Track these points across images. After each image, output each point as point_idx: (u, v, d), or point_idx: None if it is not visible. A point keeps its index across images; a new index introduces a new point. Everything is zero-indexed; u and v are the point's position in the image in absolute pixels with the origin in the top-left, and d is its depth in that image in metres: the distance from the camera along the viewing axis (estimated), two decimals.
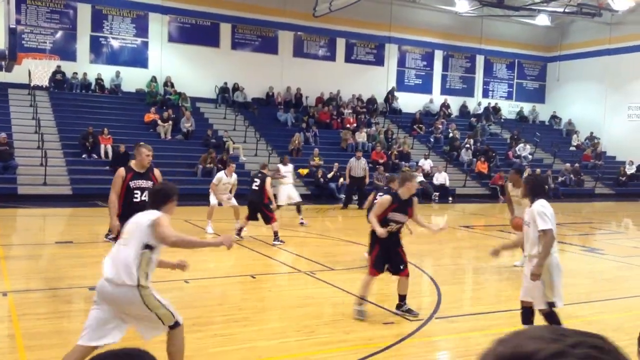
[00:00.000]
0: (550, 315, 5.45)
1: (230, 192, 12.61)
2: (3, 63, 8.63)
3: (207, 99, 25.48)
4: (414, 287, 8.53)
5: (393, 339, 5.86)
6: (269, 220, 11.16)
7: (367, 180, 18.77)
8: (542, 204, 5.46)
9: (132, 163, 6.81)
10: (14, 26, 8.23)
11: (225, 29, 26.15)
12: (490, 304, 7.68)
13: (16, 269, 8.42)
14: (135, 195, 6.50)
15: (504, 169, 25.43)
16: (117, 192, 6.57)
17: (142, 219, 4.33)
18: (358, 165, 18.94)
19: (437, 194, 22.69)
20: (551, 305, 5.44)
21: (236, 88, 25.99)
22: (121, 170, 6.69)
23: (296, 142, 23.30)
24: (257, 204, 11.21)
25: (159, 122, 22.05)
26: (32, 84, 12.70)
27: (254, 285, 8.11)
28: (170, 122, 22.15)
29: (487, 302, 7.84)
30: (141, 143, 7.07)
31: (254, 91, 26.56)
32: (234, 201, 12.50)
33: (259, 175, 11.62)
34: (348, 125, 26.10)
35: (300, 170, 21.72)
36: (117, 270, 4.20)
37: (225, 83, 25.77)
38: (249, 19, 26.38)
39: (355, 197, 19.04)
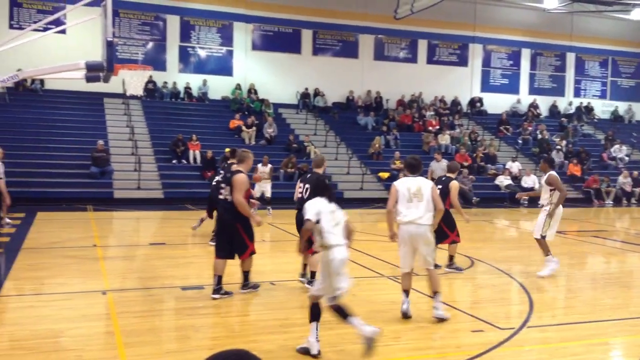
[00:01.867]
0: None
1: None
2: (101, 74, 9.13)
3: (289, 104, 25.92)
4: (503, 295, 8.25)
5: (482, 347, 5.68)
6: None
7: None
8: None
9: (242, 167, 7.38)
10: (111, 39, 8.71)
11: (306, 35, 26.50)
12: (585, 313, 7.28)
13: (113, 269, 8.89)
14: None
15: (597, 172, 24.15)
16: (245, 195, 7.19)
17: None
18: (439, 168, 18.55)
19: (527, 197, 21.83)
20: None
21: (317, 93, 26.27)
22: (244, 176, 7.24)
23: (376, 145, 23.20)
24: None
25: (244, 128, 22.65)
26: (127, 94, 13.37)
27: None
28: (254, 127, 22.70)
29: (582, 311, 7.44)
30: (244, 149, 7.80)
31: (335, 95, 26.74)
32: None
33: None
34: (430, 128, 25.70)
35: (381, 174, 21.61)
36: None
37: (306, 88, 26.11)
38: (330, 24, 26.59)
39: None
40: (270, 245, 11.53)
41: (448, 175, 9.58)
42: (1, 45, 9.39)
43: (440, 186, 8.77)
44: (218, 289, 7.24)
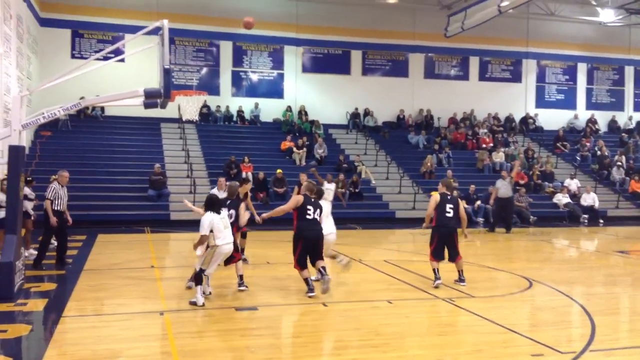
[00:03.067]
0: None
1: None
2: (158, 100, 9.43)
3: (339, 125, 26.07)
4: (564, 317, 7.97)
5: None
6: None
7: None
8: None
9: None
10: (168, 66, 9.00)
11: (356, 56, 26.68)
12: None
13: (170, 289, 9.08)
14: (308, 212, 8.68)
15: None
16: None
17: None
18: (503, 186, 18.09)
19: (586, 216, 21.14)
20: None
21: (367, 113, 26.33)
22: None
23: (428, 164, 22.98)
24: None
25: (294, 149, 22.89)
26: (183, 119, 13.75)
27: (390, 311, 8.04)
28: (305, 148, 22.90)
29: None
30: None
31: (385, 115, 26.73)
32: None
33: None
34: (484, 145, 25.28)
35: (433, 193, 21.28)
36: None
37: (356, 108, 26.22)
38: (380, 45, 26.70)
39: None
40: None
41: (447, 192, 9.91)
42: (64, 74, 9.84)
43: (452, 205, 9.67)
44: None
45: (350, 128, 25.99)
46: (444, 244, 9.45)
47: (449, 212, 9.51)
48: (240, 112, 24.98)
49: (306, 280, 8.55)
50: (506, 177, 18.29)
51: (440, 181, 10.22)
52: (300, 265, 8.57)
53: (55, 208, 10.67)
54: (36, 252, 10.98)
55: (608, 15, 26.52)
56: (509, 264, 12.12)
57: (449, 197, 9.70)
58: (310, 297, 8.35)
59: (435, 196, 9.70)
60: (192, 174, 20.56)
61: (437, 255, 9.43)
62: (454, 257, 9.48)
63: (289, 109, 25.40)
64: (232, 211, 9.06)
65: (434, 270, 9.34)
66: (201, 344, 6.34)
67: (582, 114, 29.00)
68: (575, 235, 18.15)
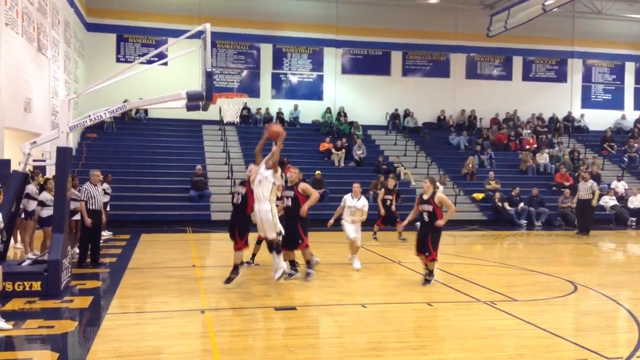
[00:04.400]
0: None
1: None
2: (200, 103, 9.58)
3: (378, 126, 25.96)
4: (610, 322, 7.74)
5: None
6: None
7: (595, 204, 17.71)
8: None
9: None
10: (210, 69, 9.14)
11: (396, 57, 26.53)
12: None
13: (211, 288, 9.21)
14: None
15: None
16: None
17: None
18: (583, 188, 17.79)
19: (634, 219, 20.47)
20: None
21: (407, 114, 26.14)
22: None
23: (470, 165, 22.65)
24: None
25: (333, 150, 22.91)
26: (224, 121, 13.93)
27: (430, 313, 7.95)
28: (344, 150, 22.89)
29: None
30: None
31: (425, 116, 26.49)
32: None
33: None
34: (527, 146, 24.77)
35: (475, 195, 21.04)
36: None
37: (396, 109, 26.06)
38: (420, 45, 26.49)
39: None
40: (362, 267, 11.50)
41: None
42: (109, 78, 10.10)
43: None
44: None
45: (389, 129, 25.85)
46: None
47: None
48: (279, 114, 25.14)
49: (308, 262, 9.57)
50: (587, 179, 17.99)
51: (429, 179, 9.68)
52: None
53: (91, 207, 10.91)
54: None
55: None
56: (554, 267, 11.82)
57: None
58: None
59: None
60: (232, 175, 20.79)
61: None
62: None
63: (328, 110, 25.44)
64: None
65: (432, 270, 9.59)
66: (241, 343, 6.40)
67: (629, 114, 28.13)
68: (623, 239, 17.59)
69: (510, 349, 6.33)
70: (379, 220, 15.54)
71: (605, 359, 5.89)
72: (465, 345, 6.46)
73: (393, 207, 15.67)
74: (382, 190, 15.99)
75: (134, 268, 10.97)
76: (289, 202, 9.78)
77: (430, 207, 9.27)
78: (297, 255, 10.06)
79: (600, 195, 21.52)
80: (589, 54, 28.00)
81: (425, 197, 9.36)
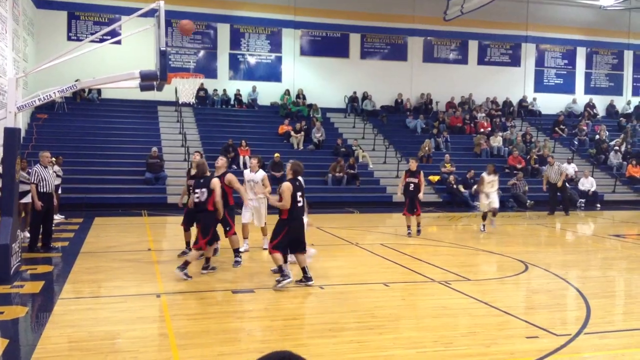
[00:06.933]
0: None
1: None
2: (155, 83, 9.38)
3: (337, 108, 25.99)
4: (560, 300, 8.01)
5: (537, 354, 5.52)
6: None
7: (560, 185, 18.47)
8: None
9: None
10: (164, 49, 8.93)
11: (354, 39, 26.51)
12: None
13: (167, 272, 9.09)
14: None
15: None
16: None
17: None
18: (552, 171, 18.51)
19: (583, 200, 21.20)
20: None
21: (365, 97, 26.23)
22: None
23: (426, 148, 22.95)
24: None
25: (292, 133, 22.83)
26: (180, 102, 13.69)
27: (387, 294, 8.07)
28: (302, 132, 22.84)
29: None
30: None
31: (383, 99, 26.64)
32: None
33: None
34: (482, 130, 25.24)
35: (431, 177, 21.35)
36: None
37: (355, 92, 26.11)
38: (378, 28, 26.53)
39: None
40: (319, 249, 11.56)
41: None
42: (60, 56, 9.77)
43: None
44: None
45: (348, 112, 25.91)
46: (294, 238, 8.12)
47: (300, 202, 8.20)
48: (237, 96, 24.86)
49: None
50: (553, 163, 18.79)
51: (291, 164, 8.44)
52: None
53: (41, 190, 10.58)
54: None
55: None
56: (505, 247, 12.16)
57: (297, 184, 8.24)
58: (279, 287, 7.90)
59: (288, 185, 8.09)
60: (189, 157, 20.47)
61: (283, 248, 8.13)
62: (303, 249, 8.31)
63: (287, 92, 25.28)
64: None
65: (280, 266, 8.10)
66: (198, 326, 6.36)
67: (580, 98, 28.96)
68: (573, 219, 18.20)
69: (463, 327, 6.49)
70: (405, 209, 13.38)
71: (554, 335, 6.10)
72: (420, 324, 6.58)
73: (421, 194, 13.28)
74: (404, 173, 13.85)
75: (87, 252, 10.73)
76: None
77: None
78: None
79: (568, 177, 22.24)
80: (542, 39, 28.61)
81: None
